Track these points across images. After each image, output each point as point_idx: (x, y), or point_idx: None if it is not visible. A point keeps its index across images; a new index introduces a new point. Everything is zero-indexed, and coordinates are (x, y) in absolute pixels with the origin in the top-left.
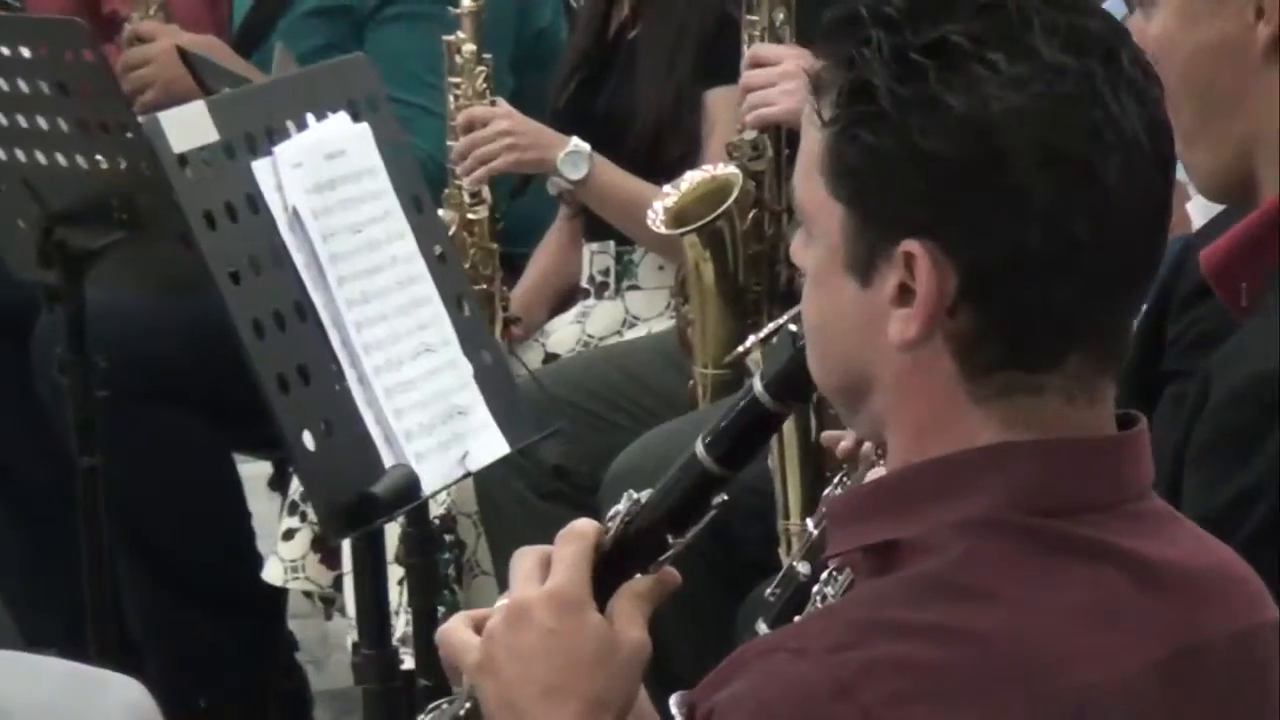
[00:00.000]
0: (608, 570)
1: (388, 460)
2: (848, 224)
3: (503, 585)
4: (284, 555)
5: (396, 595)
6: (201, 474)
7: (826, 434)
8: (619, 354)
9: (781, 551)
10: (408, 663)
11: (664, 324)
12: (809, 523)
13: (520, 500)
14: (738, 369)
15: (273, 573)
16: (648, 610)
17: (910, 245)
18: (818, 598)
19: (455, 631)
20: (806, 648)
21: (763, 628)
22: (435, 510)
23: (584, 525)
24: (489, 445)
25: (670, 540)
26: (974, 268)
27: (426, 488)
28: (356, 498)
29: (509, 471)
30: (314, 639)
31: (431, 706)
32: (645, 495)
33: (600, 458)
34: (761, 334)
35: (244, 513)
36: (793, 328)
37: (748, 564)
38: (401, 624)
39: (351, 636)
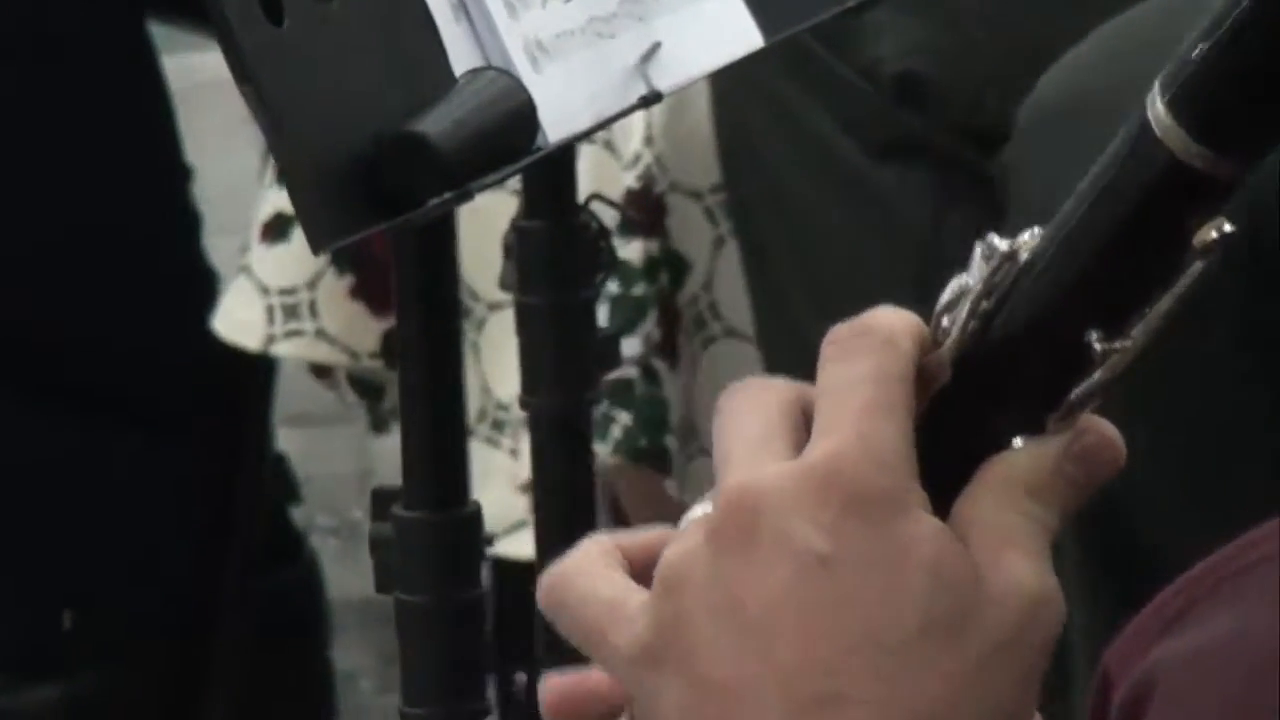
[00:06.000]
0: (951, 424)
1: (463, 59)
2: None
3: None
4: (266, 280)
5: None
6: (90, 85)
7: None
8: None
9: None
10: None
11: None
12: None
13: (818, 157)
14: None
15: (242, 319)
16: (1055, 521)
17: None
18: None
19: (588, 574)
20: None
21: None
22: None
23: (888, 319)
24: (715, 31)
25: (1095, 343)
26: None
27: (552, 128)
28: (390, 141)
29: (805, 95)
30: (336, 480)
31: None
32: (1030, 237)
33: (1005, 72)
34: None
35: (180, 173)
36: None
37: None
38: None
39: None
